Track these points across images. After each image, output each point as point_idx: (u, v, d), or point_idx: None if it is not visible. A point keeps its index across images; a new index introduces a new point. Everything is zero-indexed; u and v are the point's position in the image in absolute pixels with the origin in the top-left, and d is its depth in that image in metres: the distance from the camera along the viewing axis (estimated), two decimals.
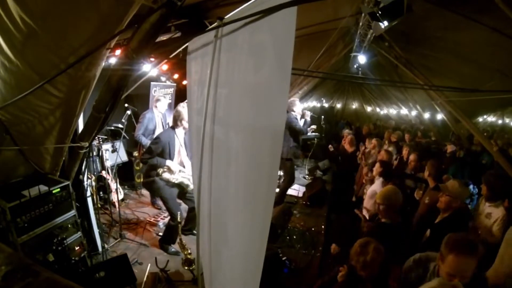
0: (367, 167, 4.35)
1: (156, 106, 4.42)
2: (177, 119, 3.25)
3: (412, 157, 4.02)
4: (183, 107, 3.20)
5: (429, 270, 1.79)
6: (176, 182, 3.30)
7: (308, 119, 5.25)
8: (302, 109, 5.12)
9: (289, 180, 5.02)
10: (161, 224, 3.96)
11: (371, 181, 3.96)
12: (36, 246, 2.23)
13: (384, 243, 2.01)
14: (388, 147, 5.30)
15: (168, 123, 5.08)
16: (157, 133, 4.30)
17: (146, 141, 4.22)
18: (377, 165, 3.63)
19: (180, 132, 3.32)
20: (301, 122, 5.02)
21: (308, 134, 6.02)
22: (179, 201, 4.67)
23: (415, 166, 4.01)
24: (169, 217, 4.10)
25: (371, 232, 2.49)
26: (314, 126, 5.75)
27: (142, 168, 4.83)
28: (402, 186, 3.51)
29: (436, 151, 5.97)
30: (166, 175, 3.23)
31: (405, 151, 4.70)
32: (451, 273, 1.51)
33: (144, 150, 4.28)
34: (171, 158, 3.25)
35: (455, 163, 5.13)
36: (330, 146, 6.60)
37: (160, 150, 3.17)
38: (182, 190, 3.42)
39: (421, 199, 3.32)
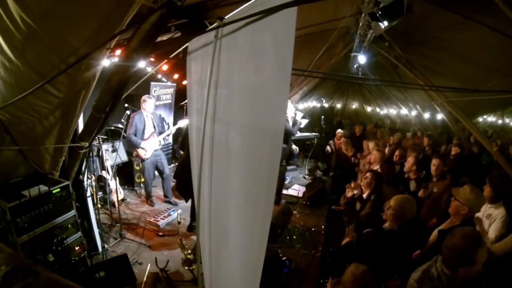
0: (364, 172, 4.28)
1: (144, 108, 4.43)
2: None
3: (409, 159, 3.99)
4: None
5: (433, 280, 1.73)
6: None
7: (299, 120, 5.14)
8: (294, 111, 4.99)
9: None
10: (161, 224, 3.96)
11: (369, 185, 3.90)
12: (36, 246, 2.22)
13: (385, 251, 1.95)
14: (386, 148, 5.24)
15: (164, 122, 5.08)
16: (146, 133, 4.35)
17: (136, 140, 4.28)
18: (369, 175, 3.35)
19: None
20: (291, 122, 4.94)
21: (301, 134, 5.97)
22: (180, 201, 4.70)
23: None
24: (170, 216, 4.13)
25: (373, 238, 2.39)
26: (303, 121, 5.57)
27: (142, 168, 4.83)
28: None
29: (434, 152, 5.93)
30: None
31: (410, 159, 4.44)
32: None
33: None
34: None
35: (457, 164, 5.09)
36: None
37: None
38: None
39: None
